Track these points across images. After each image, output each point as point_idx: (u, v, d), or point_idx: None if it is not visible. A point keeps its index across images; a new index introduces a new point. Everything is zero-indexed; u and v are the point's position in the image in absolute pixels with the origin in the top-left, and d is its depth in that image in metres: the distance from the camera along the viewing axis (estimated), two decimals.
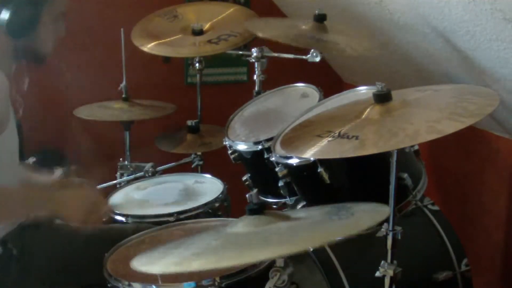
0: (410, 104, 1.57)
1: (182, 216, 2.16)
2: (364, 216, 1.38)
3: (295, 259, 1.45)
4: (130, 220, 2.19)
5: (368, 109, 1.59)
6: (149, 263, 1.36)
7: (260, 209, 1.43)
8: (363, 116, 1.59)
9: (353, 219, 1.35)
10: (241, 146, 2.21)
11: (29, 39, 1.89)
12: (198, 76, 2.88)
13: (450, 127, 1.41)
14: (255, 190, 1.44)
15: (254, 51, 2.50)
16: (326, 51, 2.27)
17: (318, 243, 1.26)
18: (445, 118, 1.47)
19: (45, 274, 1.91)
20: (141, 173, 2.64)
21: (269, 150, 2.05)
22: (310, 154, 1.55)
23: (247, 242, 1.31)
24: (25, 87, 2.06)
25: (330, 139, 1.53)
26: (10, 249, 1.86)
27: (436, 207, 2.27)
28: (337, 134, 1.53)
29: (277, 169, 1.95)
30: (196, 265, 1.24)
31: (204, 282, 1.61)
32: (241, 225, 1.41)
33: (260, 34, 2.30)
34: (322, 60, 2.22)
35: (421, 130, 1.44)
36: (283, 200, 2.15)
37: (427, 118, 1.50)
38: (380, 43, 2.21)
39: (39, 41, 1.93)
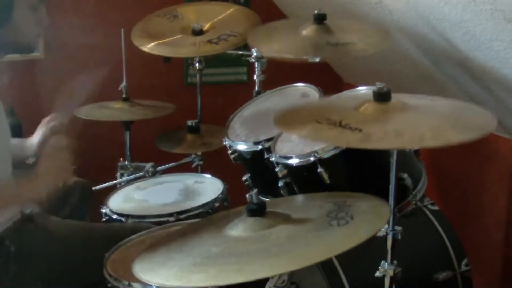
0: (410, 108, 1.57)
1: (182, 216, 2.16)
2: (363, 221, 1.38)
3: None
4: (130, 220, 2.19)
5: (366, 105, 1.58)
6: (150, 270, 1.36)
7: (260, 210, 1.43)
8: (360, 110, 1.57)
9: (353, 226, 1.35)
10: (241, 146, 2.21)
11: (7, 29, 1.85)
12: (198, 76, 2.88)
13: (455, 137, 1.42)
14: (255, 190, 1.44)
15: (254, 51, 2.50)
16: (346, 54, 2.17)
17: (317, 259, 1.27)
18: (449, 127, 1.47)
19: (44, 272, 1.90)
20: (141, 173, 2.64)
21: (269, 150, 2.05)
22: (305, 134, 1.53)
23: (247, 253, 1.31)
24: (6, 81, 2.04)
25: (330, 126, 1.50)
26: (7, 246, 1.86)
27: (436, 207, 2.27)
28: (338, 122, 1.50)
29: (277, 169, 1.94)
30: (196, 280, 1.25)
31: None
32: (241, 228, 1.41)
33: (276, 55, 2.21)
34: (322, 60, 2.21)
35: (426, 135, 1.44)
36: None
37: (431, 124, 1.49)
38: (382, 33, 2.16)
39: (18, 31, 1.89)
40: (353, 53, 2.14)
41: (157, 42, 2.62)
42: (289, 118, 1.67)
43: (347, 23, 2.23)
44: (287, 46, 2.16)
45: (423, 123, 1.50)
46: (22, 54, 1.97)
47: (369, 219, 1.39)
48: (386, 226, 1.68)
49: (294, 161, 1.88)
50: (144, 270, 1.36)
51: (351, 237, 1.30)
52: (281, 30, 2.29)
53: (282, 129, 1.62)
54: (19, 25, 1.87)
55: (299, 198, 1.88)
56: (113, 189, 2.51)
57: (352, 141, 1.45)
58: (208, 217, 2.09)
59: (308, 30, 2.17)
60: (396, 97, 1.60)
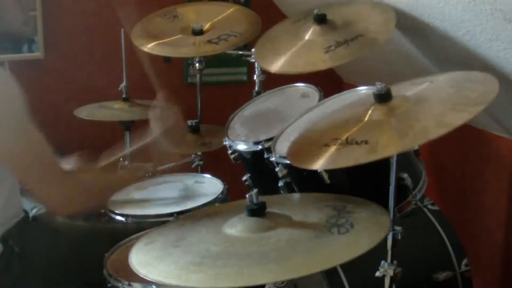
0: (411, 100, 1.57)
1: (182, 216, 2.16)
2: (363, 230, 1.39)
3: None
4: (130, 220, 2.19)
5: (370, 110, 1.58)
6: (147, 264, 1.36)
7: (260, 210, 1.43)
8: (366, 118, 1.58)
9: (353, 235, 1.36)
10: (241, 146, 2.21)
11: None
12: (198, 76, 2.88)
13: (457, 119, 1.40)
14: (255, 190, 1.44)
15: (254, 51, 2.50)
16: (360, 51, 2.05)
17: (318, 268, 1.28)
18: (449, 110, 1.46)
19: (47, 271, 1.91)
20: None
21: (269, 150, 2.05)
22: (321, 165, 1.54)
23: (247, 255, 1.31)
24: None
25: (338, 147, 1.52)
26: (11, 246, 1.86)
27: (436, 207, 2.27)
28: (344, 140, 1.52)
29: (277, 169, 1.94)
30: (194, 280, 1.26)
31: None
32: (241, 228, 1.41)
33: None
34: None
35: (429, 126, 1.44)
36: None
37: (432, 112, 1.49)
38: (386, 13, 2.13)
39: (2, 21, 1.85)
40: (366, 47, 2.04)
41: (157, 42, 2.62)
42: (302, 151, 1.68)
43: (348, 10, 2.19)
44: (296, 60, 2.11)
45: (426, 113, 1.49)
46: (17, 50, 1.94)
47: (369, 228, 1.40)
48: None
49: None
50: (141, 264, 1.37)
51: (352, 247, 1.32)
52: (283, 39, 2.26)
53: (300, 165, 1.64)
54: (3, 14, 1.83)
55: (297, 197, 1.88)
56: None
57: (360, 156, 1.45)
58: (206, 208, 2.10)
59: (311, 33, 2.14)
60: (395, 90, 1.59)
